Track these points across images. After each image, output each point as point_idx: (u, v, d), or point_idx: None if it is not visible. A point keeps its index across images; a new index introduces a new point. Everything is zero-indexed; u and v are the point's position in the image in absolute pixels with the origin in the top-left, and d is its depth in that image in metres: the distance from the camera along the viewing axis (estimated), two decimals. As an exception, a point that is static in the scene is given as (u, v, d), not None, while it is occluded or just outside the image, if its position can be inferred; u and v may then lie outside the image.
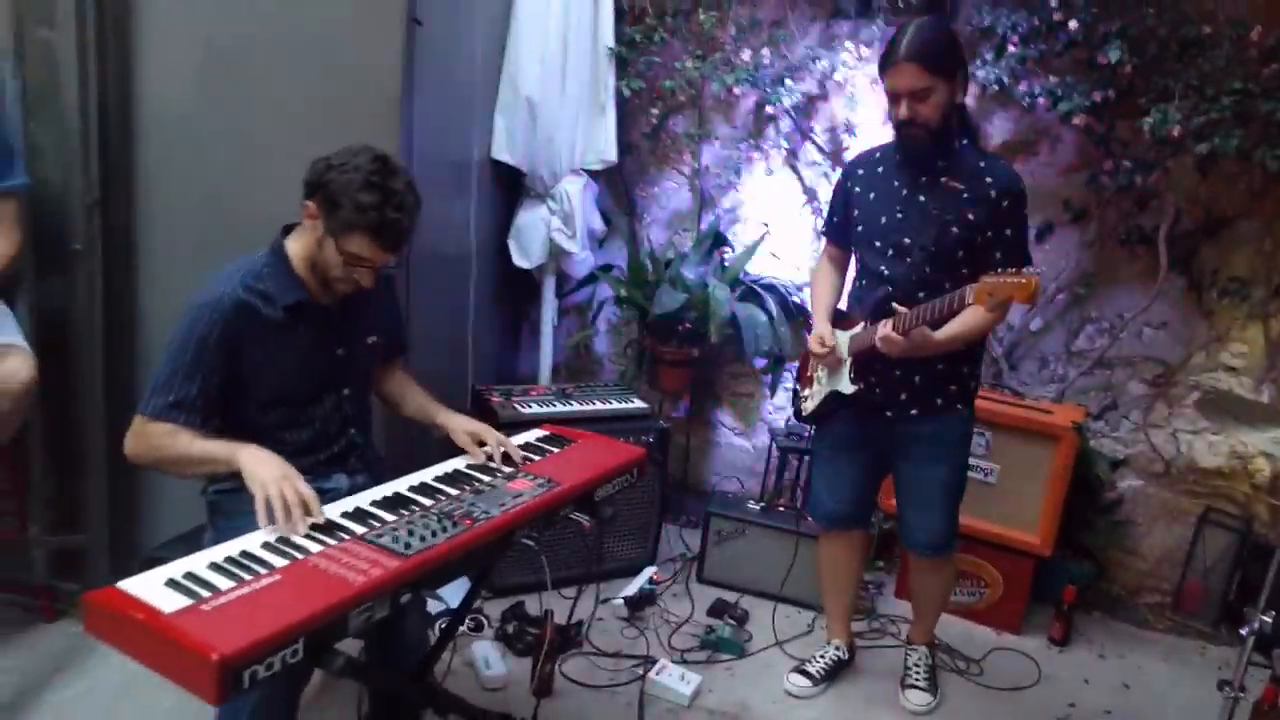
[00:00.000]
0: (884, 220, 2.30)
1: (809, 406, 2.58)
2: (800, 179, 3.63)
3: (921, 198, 2.23)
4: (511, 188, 3.63)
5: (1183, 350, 3.24)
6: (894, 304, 2.20)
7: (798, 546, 3.08)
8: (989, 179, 2.18)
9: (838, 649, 2.78)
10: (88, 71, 2.33)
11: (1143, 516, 3.36)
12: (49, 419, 2.52)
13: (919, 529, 2.51)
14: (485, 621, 2.84)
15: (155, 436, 1.81)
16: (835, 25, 3.42)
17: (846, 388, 2.39)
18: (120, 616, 1.33)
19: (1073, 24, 2.92)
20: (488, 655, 2.63)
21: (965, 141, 2.24)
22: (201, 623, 1.30)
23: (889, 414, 2.40)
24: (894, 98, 2.14)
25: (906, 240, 2.25)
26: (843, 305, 2.55)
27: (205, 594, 1.38)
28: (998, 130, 3.29)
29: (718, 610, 3.04)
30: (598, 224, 3.75)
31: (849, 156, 3.49)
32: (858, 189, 2.38)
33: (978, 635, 3.10)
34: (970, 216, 2.18)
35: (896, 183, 2.29)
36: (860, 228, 2.37)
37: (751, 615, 3.05)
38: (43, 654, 2.54)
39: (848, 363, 2.39)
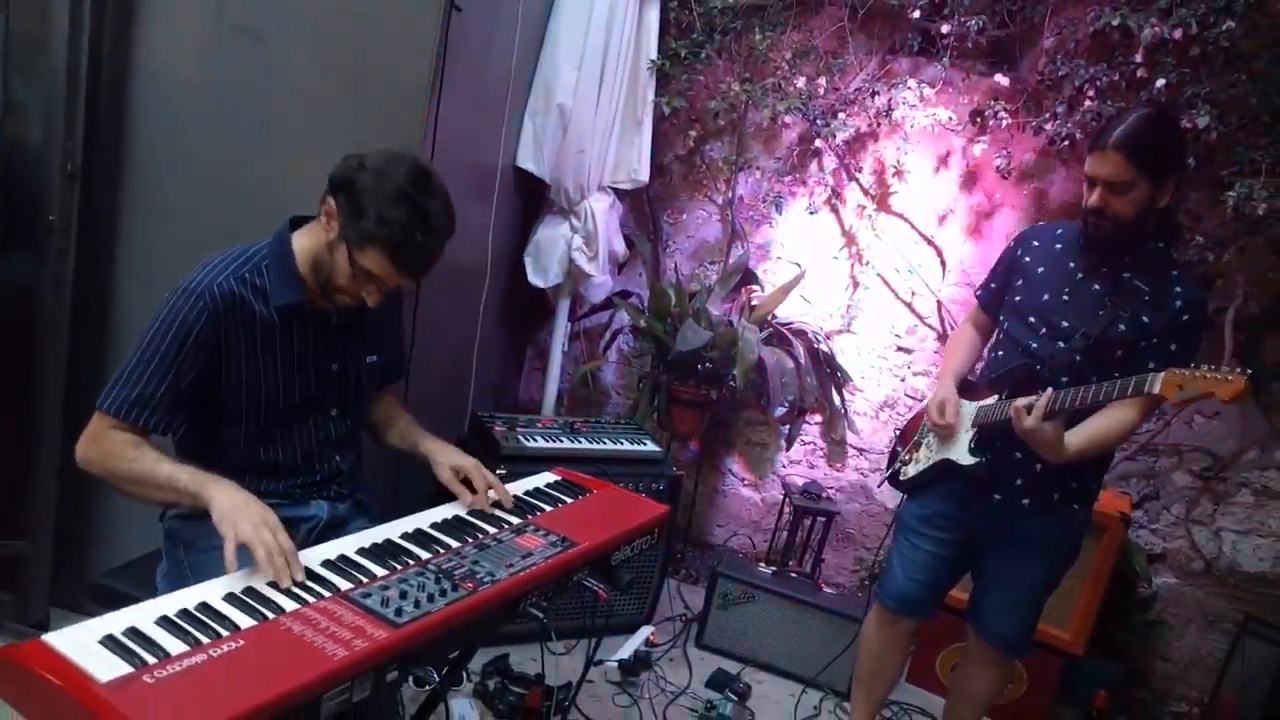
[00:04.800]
0: (1045, 298, 2.11)
1: (909, 472, 2.34)
2: (841, 221, 3.40)
3: (1096, 285, 2.04)
4: (533, 200, 3.39)
5: (1235, 444, 3.02)
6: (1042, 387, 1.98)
7: (810, 620, 2.82)
8: (1177, 288, 1.97)
9: (850, 738, 2.54)
10: (81, 23, 2.06)
11: (1175, 618, 3.13)
12: (-1, 408, 2.25)
13: (999, 618, 2.24)
14: (465, 674, 2.56)
15: (116, 445, 1.57)
16: (895, 60, 3.21)
17: (964, 458, 2.15)
18: (42, 682, 1.08)
19: (1159, 82, 2.71)
20: (465, 716, 2.35)
21: (1161, 245, 2.04)
22: (141, 699, 1.06)
23: (997, 497, 2.15)
24: (1090, 182, 1.96)
25: (1064, 323, 2.06)
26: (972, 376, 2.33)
27: (150, 659, 1.14)
28: (1052, 188, 3.10)
29: (718, 683, 2.78)
30: (620, 247, 3.51)
31: (895, 201, 3.31)
32: (1027, 258, 2.20)
33: (996, 733, 2.83)
34: (1145, 319, 1.98)
35: (1072, 264, 2.10)
36: (1018, 298, 2.17)
37: (754, 690, 2.78)
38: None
39: (971, 433, 2.16)
